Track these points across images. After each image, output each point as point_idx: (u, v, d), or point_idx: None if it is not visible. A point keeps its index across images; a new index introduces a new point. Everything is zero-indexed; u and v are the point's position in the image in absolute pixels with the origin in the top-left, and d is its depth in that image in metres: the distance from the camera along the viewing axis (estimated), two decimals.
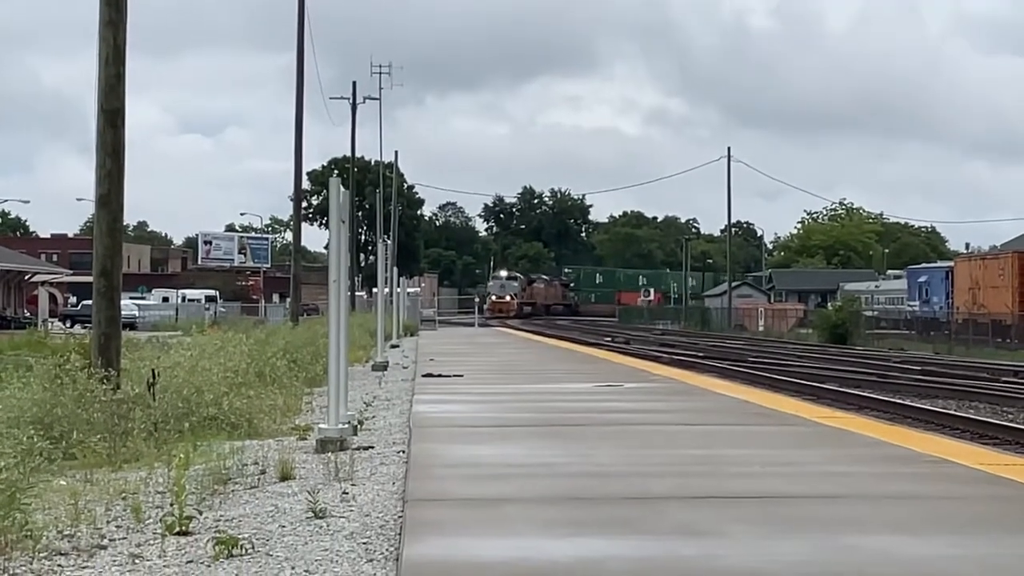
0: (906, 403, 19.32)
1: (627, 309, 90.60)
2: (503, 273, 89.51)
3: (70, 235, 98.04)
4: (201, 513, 6.35)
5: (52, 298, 65.52)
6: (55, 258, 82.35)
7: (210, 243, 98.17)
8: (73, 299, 68.22)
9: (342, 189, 10.47)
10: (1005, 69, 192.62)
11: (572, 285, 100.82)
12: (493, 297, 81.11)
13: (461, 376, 18.43)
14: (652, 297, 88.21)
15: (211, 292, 77.06)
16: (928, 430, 13.58)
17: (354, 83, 63.55)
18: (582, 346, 35.67)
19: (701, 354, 35.94)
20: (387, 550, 5.35)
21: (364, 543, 5.54)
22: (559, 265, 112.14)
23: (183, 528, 5.75)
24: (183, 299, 73.61)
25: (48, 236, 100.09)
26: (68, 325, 43.47)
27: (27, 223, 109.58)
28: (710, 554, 4.98)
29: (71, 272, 68.71)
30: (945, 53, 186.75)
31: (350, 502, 6.84)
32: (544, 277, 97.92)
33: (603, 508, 6.38)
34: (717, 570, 4.63)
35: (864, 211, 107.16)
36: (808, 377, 25.51)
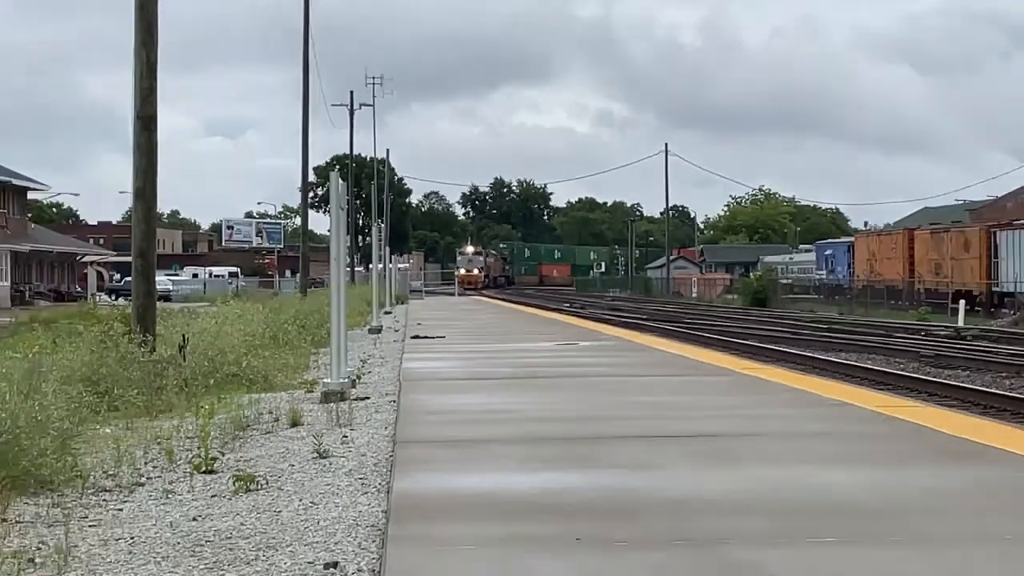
0: (815, 355, 19.22)
1: (583, 280, 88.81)
2: (469, 249, 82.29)
3: (114, 222, 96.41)
4: (224, 455, 6.11)
5: (99, 275, 64.60)
6: (101, 241, 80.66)
7: (232, 228, 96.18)
8: (117, 276, 67.35)
9: (340, 181, 10.37)
10: (893, 75, 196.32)
11: (508, 259, 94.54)
12: (461, 271, 72.90)
13: (443, 337, 17.88)
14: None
15: (233, 269, 75.97)
16: (833, 379, 13.49)
17: (351, 92, 64.77)
18: (545, 311, 35.13)
19: (645, 317, 35.04)
20: (380, 484, 5.20)
21: (360, 478, 5.38)
22: (525, 243, 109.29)
23: (208, 467, 5.54)
24: (210, 275, 72.64)
25: (95, 223, 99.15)
26: (113, 298, 42.64)
27: (78, 212, 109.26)
28: (653, 484, 4.89)
29: (115, 253, 67.79)
30: (843, 62, 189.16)
31: (349, 444, 6.58)
32: (492, 252, 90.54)
33: (564, 447, 6.23)
34: (659, 497, 4.55)
35: (780, 196, 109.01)
36: (733, 335, 25.28)
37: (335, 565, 3.58)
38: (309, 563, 3.61)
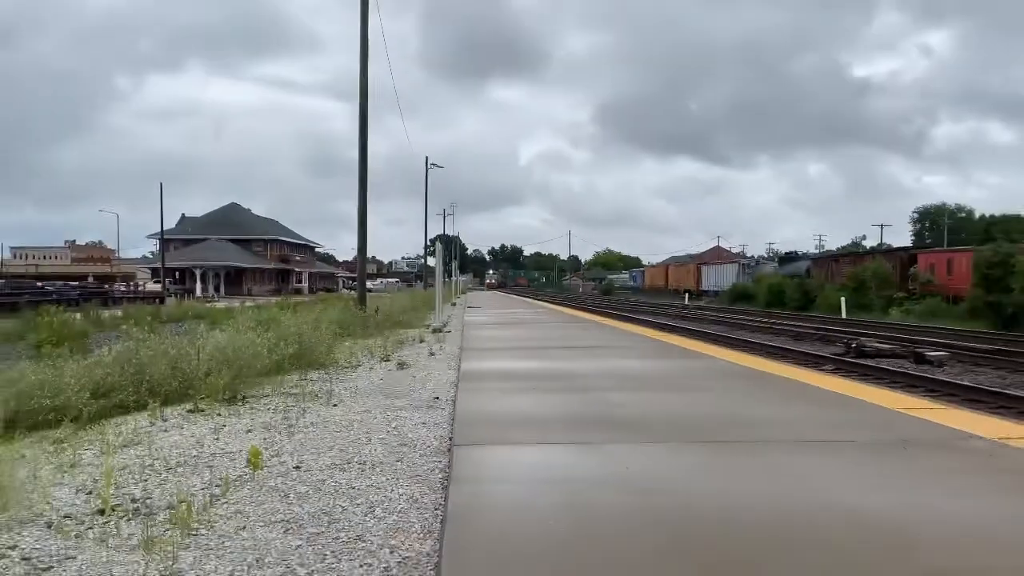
0: (625, 313, 32.49)
1: (535, 285, 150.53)
2: (491, 272, 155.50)
3: (349, 259, 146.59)
4: (391, 354, 12.18)
5: (341, 281, 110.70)
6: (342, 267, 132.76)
7: (392, 263, 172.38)
8: (349, 282, 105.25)
9: (440, 245, 18.90)
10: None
11: (505, 276, 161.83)
12: (488, 281, 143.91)
13: (480, 308, 30.85)
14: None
15: (394, 280, 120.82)
16: (632, 323, 22.00)
17: (444, 210, 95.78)
18: (536, 300, 54.37)
19: (560, 301, 56.39)
20: (455, 365, 10.67)
21: (447, 363, 11.02)
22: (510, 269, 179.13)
23: (386, 358, 11.44)
24: (384, 283, 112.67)
25: (341, 260, 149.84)
26: (347, 291, 60.85)
27: (334, 255, 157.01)
28: (564, 366, 10.26)
29: (349, 273, 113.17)
30: None
31: (443, 350, 12.73)
32: (498, 273, 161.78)
33: (530, 351, 12.07)
34: (566, 370, 9.74)
35: (616, 251, 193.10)
36: (596, 306, 35.88)
37: (437, 398, 8.63)
38: (428, 397, 8.22)
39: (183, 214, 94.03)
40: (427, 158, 65.06)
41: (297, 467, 5.04)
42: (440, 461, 5.04)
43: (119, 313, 31.26)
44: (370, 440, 5.80)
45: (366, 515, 3.92)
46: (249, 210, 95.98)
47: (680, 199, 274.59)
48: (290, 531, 3.75)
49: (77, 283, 59.07)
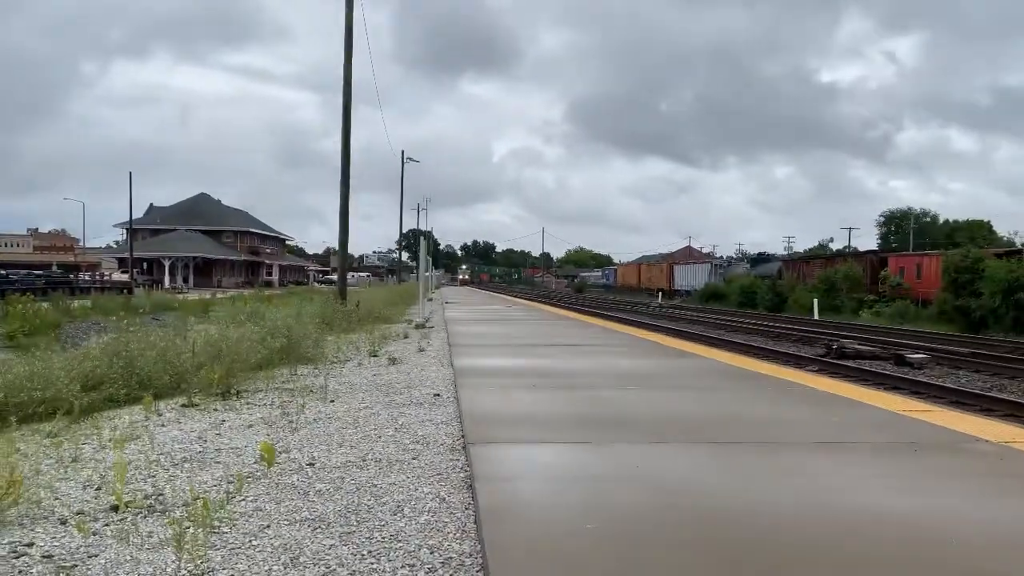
0: (604, 312, 34.59)
1: (524, 279, 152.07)
2: (464, 267, 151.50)
3: (320, 253, 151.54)
4: (379, 349, 12.06)
5: (311, 275, 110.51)
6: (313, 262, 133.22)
7: (364, 256, 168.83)
8: (320, 275, 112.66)
9: (424, 242, 19.91)
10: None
11: (473, 272, 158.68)
12: (460, 277, 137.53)
13: (458, 303, 30.94)
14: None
15: (365, 274, 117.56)
16: (616, 322, 23.78)
17: (419, 205, 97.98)
18: (510, 296, 55.58)
19: (532, 297, 58.95)
20: (447, 362, 10.59)
21: (437, 359, 10.98)
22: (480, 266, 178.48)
23: (374, 354, 11.25)
24: (355, 277, 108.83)
25: (312, 253, 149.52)
26: (320, 285, 58.43)
27: (304, 248, 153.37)
28: (555, 363, 10.34)
29: (319, 267, 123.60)
30: None
31: (431, 346, 12.64)
32: (468, 269, 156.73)
33: (517, 348, 12.06)
34: (558, 368, 9.77)
35: (588, 250, 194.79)
36: (570, 303, 36.41)
37: (438, 395, 8.71)
38: (427, 394, 8.31)
39: (151, 204, 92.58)
40: (403, 152, 64.76)
41: (311, 464, 4.97)
42: (457, 459, 5.00)
43: (88, 303, 30.70)
44: (380, 437, 5.74)
45: (395, 514, 3.86)
46: (219, 201, 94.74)
47: (650, 198, 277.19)
48: (319, 530, 3.69)
49: (41, 272, 57.88)
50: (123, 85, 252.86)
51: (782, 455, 5.05)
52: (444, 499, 4.10)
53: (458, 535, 3.54)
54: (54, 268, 69.38)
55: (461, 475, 4.59)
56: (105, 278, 63.30)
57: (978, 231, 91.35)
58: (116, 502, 4.23)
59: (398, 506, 4.00)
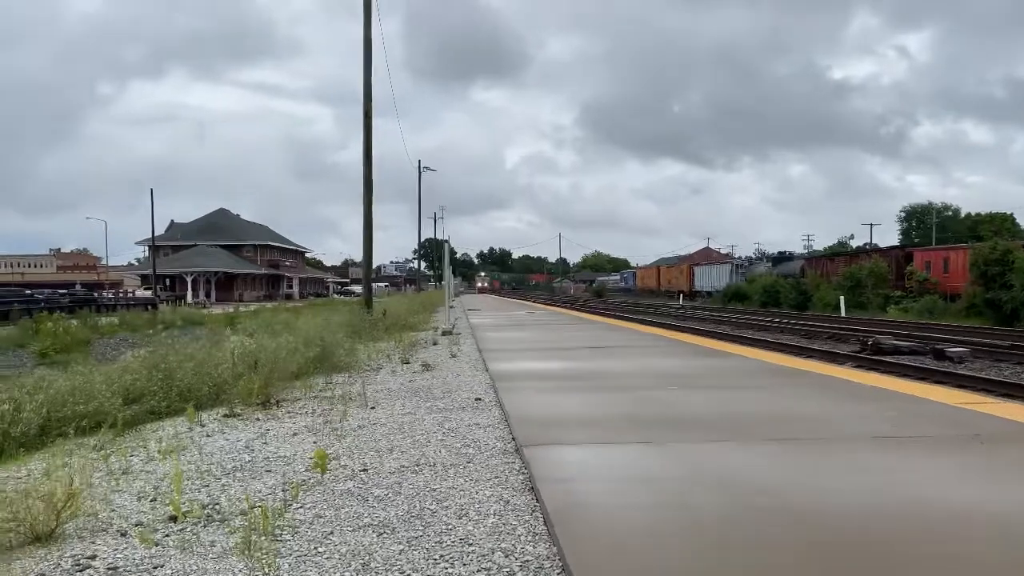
0: (629, 316, 37.05)
1: (542, 285, 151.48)
2: (482, 274, 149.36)
3: (338, 265, 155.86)
4: (410, 356, 12.03)
5: (331, 287, 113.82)
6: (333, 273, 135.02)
7: (383, 267, 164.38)
8: (339, 287, 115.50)
9: (447, 248, 19.48)
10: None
11: (491, 279, 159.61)
12: (480, 284, 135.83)
13: (480, 310, 31.64)
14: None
15: (384, 284, 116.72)
16: (643, 324, 22.66)
17: (435, 215, 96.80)
18: (530, 302, 56.39)
19: (555, 302, 58.81)
20: (481, 367, 10.49)
21: (471, 365, 10.81)
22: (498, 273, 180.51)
23: (406, 361, 11.17)
24: (374, 287, 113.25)
25: (330, 265, 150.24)
26: (340, 296, 60.73)
27: (323, 260, 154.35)
28: (590, 365, 10.21)
29: (339, 279, 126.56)
30: None
31: (462, 351, 12.54)
32: (487, 277, 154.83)
33: (549, 351, 12.00)
34: (592, 370, 9.76)
35: (605, 254, 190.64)
36: (593, 308, 35.91)
37: (479, 399, 8.26)
38: (467, 398, 8.11)
39: (172, 220, 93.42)
40: (420, 162, 64.95)
41: (364, 470, 4.90)
42: (512, 462, 4.90)
43: (115, 320, 30.93)
44: (429, 442, 5.65)
45: (460, 518, 3.78)
46: (238, 215, 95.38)
47: (665, 200, 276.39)
48: (384, 535, 3.61)
49: (65, 290, 58.50)
50: (140, 105, 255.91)
51: (845, 451, 4.92)
52: (508, 502, 4.01)
53: (530, 538, 3.44)
54: (77, 287, 70.03)
55: (520, 477, 4.50)
56: (129, 295, 63.86)
57: (1001, 224, 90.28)
58: (174, 512, 4.17)
59: (461, 509, 3.91)
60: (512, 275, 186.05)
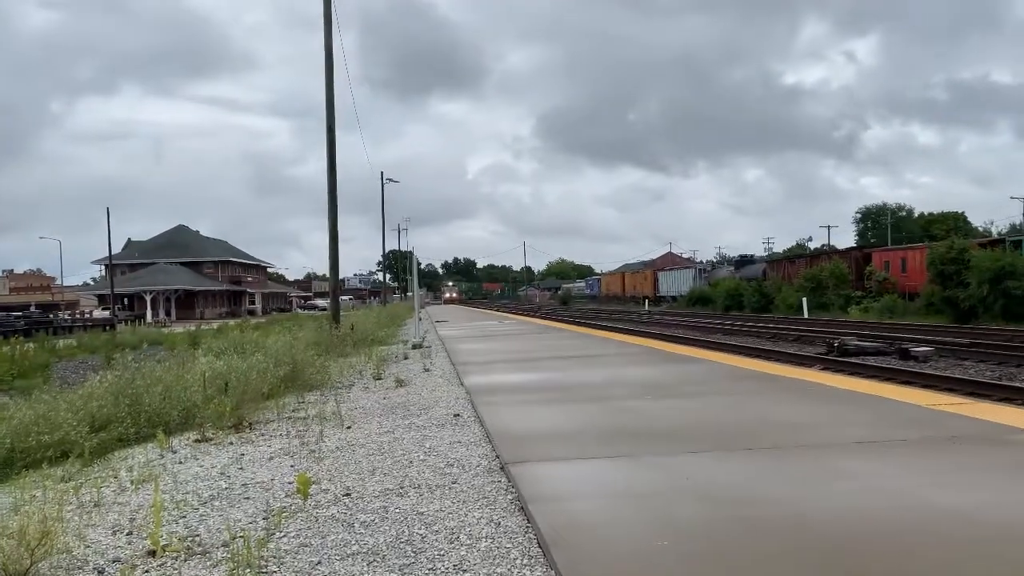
0: (594, 322, 39.11)
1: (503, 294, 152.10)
2: (450, 283, 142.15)
3: (301, 279, 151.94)
4: (382, 372, 11.87)
5: (294, 301, 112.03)
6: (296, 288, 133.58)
7: (347, 279, 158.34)
8: (302, 301, 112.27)
9: (414, 259, 18.56)
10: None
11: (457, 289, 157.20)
12: (448, 295, 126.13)
13: (447, 322, 31.27)
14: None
15: (348, 297, 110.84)
16: (610, 331, 24.04)
17: (399, 226, 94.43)
18: (497, 311, 56.45)
19: (523, 311, 58.53)
20: (456, 381, 10.36)
21: (445, 379, 10.64)
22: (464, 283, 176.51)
23: (378, 376, 11.01)
24: (341, 300, 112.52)
25: (293, 280, 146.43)
26: (303, 310, 60.07)
27: (286, 275, 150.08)
28: (566, 376, 10.18)
29: (302, 293, 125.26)
30: None
31: (435, 365, 12.37)
32: (454, 286, 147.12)
33: (522, 362, 11.95)
34: (570, 381, 9.66)
35: (569, 260, 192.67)
36: (559, 316, 43.03)
37: (457, 415, 7.87)
38: (445, 414, 7.89)
39: (129, 238, 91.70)
40: (382, 173, 64.60)
41: (347, 494, 4.80)
42: (499, 481, 4.84)
43: (73, 342, 30.19)
44: (411, 462, 5.57)
45: (451, 542, 3.71)
46: (197, 232, 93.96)
47: (626, 207, 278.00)
48: (375, 563, 3.53)
49: (20, 312, 57.03)
50: (92, 122, 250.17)
51: (827, 458, 4.95)
52: (498, 524, 3.95)
53: (526, 562, 3.39)
54: (32, 308, 68.32)
55: (508, 497, 4.44)
56: (86, 316, 62.44)
57: (954, 222, 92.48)
58: (153, 546, 4.04)
59: (452, 533, 3.84)
60: (473, 284, 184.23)
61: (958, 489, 4.10)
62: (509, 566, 3.34)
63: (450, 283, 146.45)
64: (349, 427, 7.47)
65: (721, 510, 3.85)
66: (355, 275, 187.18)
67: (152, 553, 4.01)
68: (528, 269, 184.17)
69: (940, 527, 3.49)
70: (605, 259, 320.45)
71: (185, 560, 3.88)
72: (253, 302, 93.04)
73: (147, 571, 3.76)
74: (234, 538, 4.09)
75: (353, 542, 3.86)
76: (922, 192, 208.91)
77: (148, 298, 72.71)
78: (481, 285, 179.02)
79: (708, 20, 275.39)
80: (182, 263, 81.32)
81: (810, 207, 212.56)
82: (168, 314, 72.52)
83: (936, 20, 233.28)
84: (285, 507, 4.67)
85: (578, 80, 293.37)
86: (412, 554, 3.60)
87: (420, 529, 3.94)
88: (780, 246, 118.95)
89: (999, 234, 66.91)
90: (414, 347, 15.74)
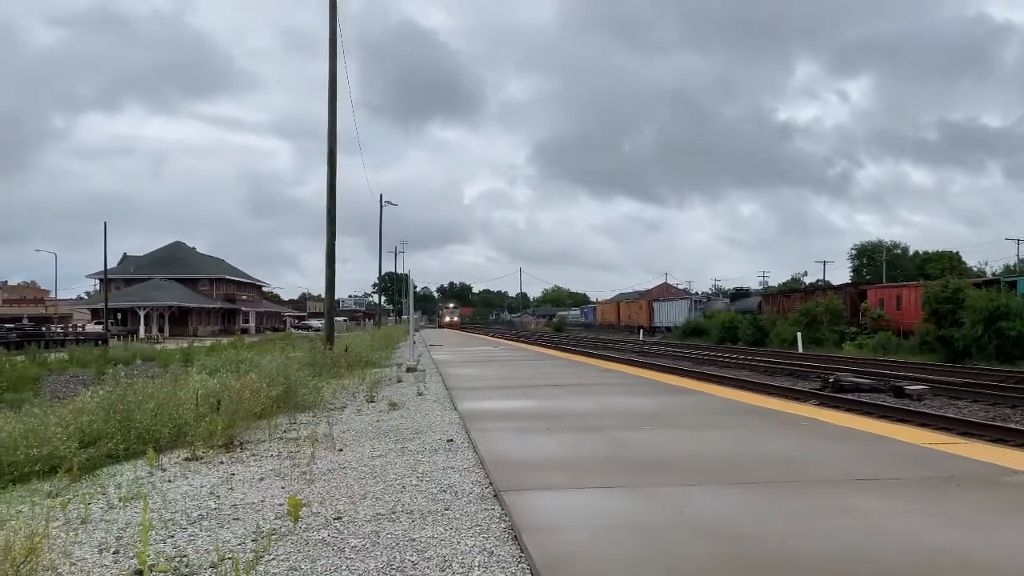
0: (589, 351, 35.70)
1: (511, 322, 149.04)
2: (451, 305, 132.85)
3: (295, 298, 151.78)
4: (376, 394, 11.81)
5: (288, 321, 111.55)
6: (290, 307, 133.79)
7: (342, 300, 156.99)
8: (296, 321, 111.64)
9: (411, 282, 19.14)
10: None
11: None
12: (445, 318, 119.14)
13: (442, 346, 31.50)
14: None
15: (343, 318, 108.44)
16: (605, 360, 25.74)
17: (396, 249, 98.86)
18: (491, 337, 57.46)
19: (518, 337, 60.33)
20: (449, 406, 10.28)
21: (439, 403, 10.56)
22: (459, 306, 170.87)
23: (372, 399, 10.96)
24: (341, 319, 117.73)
25: (287, 299, 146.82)
26: (296, 330, 60.55)
27: (280, 294, 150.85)
28: (560, 404, 10.05)
29: (296, 312, 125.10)
30: None
31: (429, 389, 12.33)
32: (452, 309, 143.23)
33: (515, 389, 11.87)
34: (564, 409, 9.51)
35: (564, 288, 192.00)
36: (554, 343, 45.17)
37: (451, 440, 7.68)
38: (439, 439, 7.79)
39: (125, 253, 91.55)
40: (381, 196, 64.78)
41: (338, 518, 4.74)
42: (492, 508, 4.79)
43: (65, 356, 30.03)
44: (404, 487, 5.51)
45: (443, 571, 3.65)
46: (194, 249, 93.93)
47: (621, 236, 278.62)
48: None
49: (12, 325, 56.77)
50: (95, 138, 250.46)
51: (827, 495, 4.91)
52: (491, 552, 3.90)
53: None
54: (25, 321, 67.98)
55: (501, 525, 4.39)
56: (79, 329, 62.16)
57: (949, 262, 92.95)
58: (140, 566, 3.97)
59: (444, 561, 3.79)
60: (475, 309, 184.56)
61: (955, 529, 4.07)
62: None
63: (451, 305, 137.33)
64: (341, 450, 7.41)
65: (715, 544, 3.81)
66: (350, 296, 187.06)
67: (139, 573, 3.94)
68: (523, 295, 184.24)
69: (938, 567, 3.45)
70: (600, 288, 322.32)
71: None
72: (247, 320, 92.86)
73: None
74: (222, 559, 4.02)
75: (343, 567, 3.80)
76: (915, 231, 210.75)
77: (142, 313, 72.48)
78: (472, 311, 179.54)
79: (702, 57, 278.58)
80: (177, 279, 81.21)
81: (805, 242, 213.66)
82: (161, 330, 72.28)
83: (925, 62, 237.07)
84: (275, 529, 4.60)
85: (574, 110, 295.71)
86: None
87: (412, 556, 3.89)
88: (775, 280, 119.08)
89: (993, 274, 67.21)
90: (408, 370, 15.70)
